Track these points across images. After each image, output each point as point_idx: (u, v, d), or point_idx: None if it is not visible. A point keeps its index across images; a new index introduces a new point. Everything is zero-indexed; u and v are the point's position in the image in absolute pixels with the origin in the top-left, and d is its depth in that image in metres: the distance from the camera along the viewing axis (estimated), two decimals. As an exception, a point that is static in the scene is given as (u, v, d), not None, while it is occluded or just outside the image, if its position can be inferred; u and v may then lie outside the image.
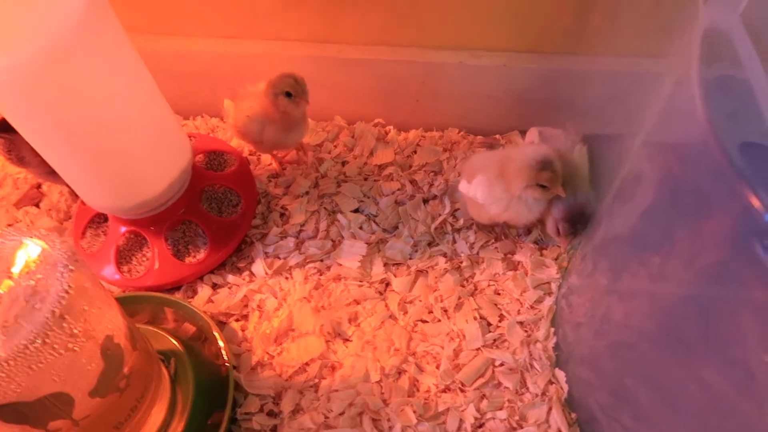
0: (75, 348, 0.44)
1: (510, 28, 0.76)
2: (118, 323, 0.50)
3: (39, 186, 0.85)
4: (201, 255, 0.71)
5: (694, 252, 0.40)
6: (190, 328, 0.68)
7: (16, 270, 0.43)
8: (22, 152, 0.68)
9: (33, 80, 0.50)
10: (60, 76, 0.51)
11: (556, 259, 0.70)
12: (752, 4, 0.40)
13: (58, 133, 0.55)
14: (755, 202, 0.31)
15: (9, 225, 0.80)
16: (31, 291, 0.42)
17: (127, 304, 0.68)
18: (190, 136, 0.82)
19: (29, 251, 0.44)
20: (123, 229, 0.71)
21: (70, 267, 0.44)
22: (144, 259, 0.71)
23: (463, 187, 0.68)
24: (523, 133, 0.83)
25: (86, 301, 0.45)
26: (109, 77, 0.55)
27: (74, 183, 0.64)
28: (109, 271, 0.71)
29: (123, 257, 0.72)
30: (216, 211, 0.74)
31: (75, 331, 0.43)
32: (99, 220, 0.75)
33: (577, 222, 0.61)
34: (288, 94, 0.66)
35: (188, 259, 0.71)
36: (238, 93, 0.74)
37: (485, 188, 0.64)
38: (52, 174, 0.65)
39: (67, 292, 0.43)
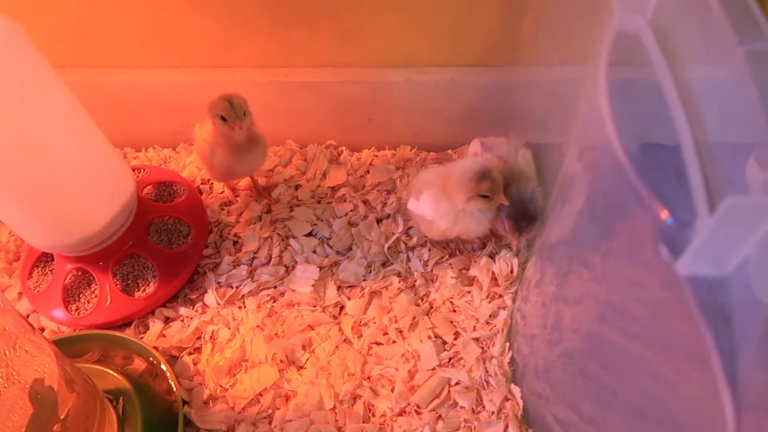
0: (-4, 394, 0.42)
1: (454, 43, 0.76)
2: (50, 365, 0.49)
3: (-12, 227, 0.83)
4: (151, 289, 0.70)
5: (625, 251, 0.40)
6: (140, 364, 0.66)
7: (-71, 317, 0.42)
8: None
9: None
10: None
11: (511, 272, 0.69)
12: (660, 9, 0.40)
13: (-16, 173, 0.54)
14: (656, 205, 0.30)
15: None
16: (-54, 338, 0.41)
17: (75, 344, 0.67)
18: (140, 168, 0.81)
19: (-56, 297, 0.43)
20: (69, 266, 0.69)
21: (-11, 311, 0.42)
22: (92, 296, 0.70)
23: (412, 204, 0.67)
24: (475, 146, 0.83)
25: (8, 345, 0.43)
26: (33, 114, 0.54)
27: (10, 222, 0.62)
28: (57, 310, 0.69)
29: (70, 295, 0.70)
30: (166, 242, 0.73)
31: (-6, 377, 0.42)
32: (46, 259, 0.73)
33: (521, 219, 0.61)
34: (223, 118, 0.65)
35: (138, 294, 0.70)
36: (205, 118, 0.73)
37: (432, 204, 0.63)
38: (-5, 214, 0.64)
39: (-16, 337, 0.41)
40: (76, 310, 0.69)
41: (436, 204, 0.64)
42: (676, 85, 0.36)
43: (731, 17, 0.33)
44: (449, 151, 0.84)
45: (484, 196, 0.60)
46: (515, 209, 0.61)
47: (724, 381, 0.28)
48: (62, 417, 0.49)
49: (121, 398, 0.61)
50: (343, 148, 0.85)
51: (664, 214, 0.31)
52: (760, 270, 0.30)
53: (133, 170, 0.81)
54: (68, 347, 0.67)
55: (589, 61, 0.46)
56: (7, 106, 0.52)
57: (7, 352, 0.43)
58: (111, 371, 0.63)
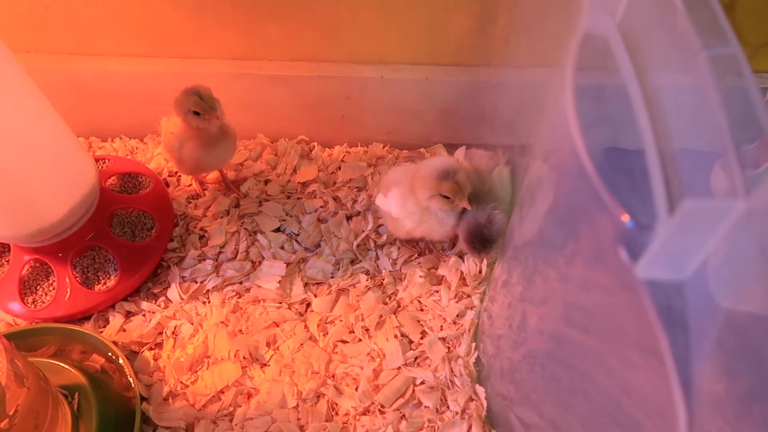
0: (-64, 389, 0.40)
1: (430, 42, 0.75)
2: (-2, 360, 0.47)
3: (-56, 215, 0.80)
4: (111, 282, 0.68)
5: (588, 252, 0.40)
6: (98, 359, 0.64)
7: None
8: None
9: None
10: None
11: (479, 273, 0.69)
12: (629, 11, 0.40)
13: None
14: (616, 208, 0.30)
15: None
16: None
17: (29, 337, 0.65)
18: (102, 159, 0.79)
19: None
20: (26, 257, 0.67)
21: (-68, 301, 0.40)
22: (50, 288, 0.68)
23: (380, 200, 0.67)
24: (448, 146, 0.83)
25: (-50, 338, 0.42)
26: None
27: (-37, 211, 0.60)
28: (13, 303, 0.67)
29: (27, 287, 0.68)
30: (129, 235, 0.71)
31: (-65, 371, 0.40)
32: (2, 249, 0.71)
33: (477, 242, 0.60)
34: (196, 113, 0.64)
35: (98, 287, 0.68)
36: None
37: (398, 202, 0.63)
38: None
39: (-75, 329, 0.39)
40: (33, 302, 0.67)
41: (403, 202, 0.63)
42: (642, 90, 0.35)
43: (697, 21, 0.33)
44: (422, 150, 0.83)
45: (446, 197, 0.59)
46: (471, 233, 0.60)
47: (678, 386, 0.28)
48: (11, 413, 0.48)
49: (76, 394, 0.59)
50: (315, 143, 0.84)
51: (624, 217, 0.31)
52: (718, 274, 0.30)
53: (97, 160, 0.79)
54: (23, 341, 0.65)
55: (557, 64, 0.46)
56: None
57: (-50, 345, 0.41)
58: (67, 366, 0.61)
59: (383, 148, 0.83)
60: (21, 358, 0.51)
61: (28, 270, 0.68)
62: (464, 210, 0.60)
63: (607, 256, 0.36)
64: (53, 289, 0.67)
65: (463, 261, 0.70)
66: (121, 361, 0.63)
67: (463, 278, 0.69)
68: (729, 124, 0.29)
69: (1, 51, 0.54)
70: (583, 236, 0.41)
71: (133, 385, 0.61)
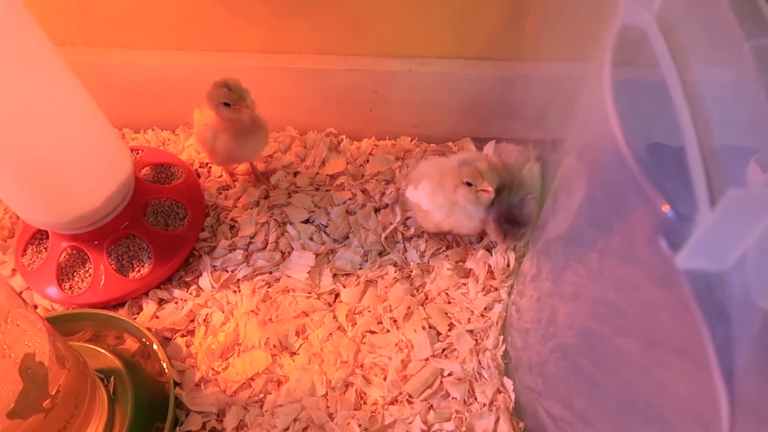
0: (-14, 367, 0.42)
1: (459, 36, 0.76)
2: (41, 341, 0.48)
3: (-17, 203, 0.83)
4: (145, 270, 0.69)
5: (621, 248, 0.40)
6: (133, 344, 0.66)
7: None
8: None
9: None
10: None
11: (507, 266, 0.69)
12: (667, 3, 0.40)
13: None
14: (657, 199, 0.30)
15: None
16: (-61, 309, 0.41)
17: (67, 322, 0.67)
18: (138, 149, 0.80)
19: (-63, 268, 0.42)
20: (64, 244, 0.69)
21: (-18, 284, 0.42)
22: (86, 275, 0.69)
23: (410, 192, 0.67)
24: (476, 140, 0.83)
25: (0, 318, 0.43)
26: (33, 90, 0.53)
27: (6, 198, 0.62)
28: (51, 288, 0.69)
29: (64, 274, 0.70)
30: (162, 224, 0.72)
31: (-15, 350, 0.42)
32: (40, 236, 0.73)
33: (506, 222, 0.61)
34: (226, 104, 0.65)
35: (132, 275, 0.69)
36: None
37: (428, 194, 0.63)
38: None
39: (-24, 309, 0.41)
40: (70, 288, 0.69)
41: (432, 195, 0.64)
42: (682, 84, 0.35)
43: (738, 12, 0.33)
44: (450, 143, 0.83)
45: (468, 184, 0.59)
46: (501, 212, 0.61)
47: (721, 377, 0.28)
48: (52, 393, 0.49)
49: (112, 378, 0.61)
50: (343, 136, 0.85)
51: (666, 208, 0.31)
52: (758, 274, 0.30)
53: (131, 151, 0.80)
54: (61, 325, 0.67)
55: (593, 58, 0.46)
56: (6, 82, 0.51)
57: (-1, 325, 0.43)
58: (103, 350, 0.63)
59: (411, 141, 0.84)
60: (61, 341, 0.53)
61: (65, 257, 0.70)
62: (494, 202, 0.61)
63: (640, 252, 0.36)
64: (89, 275, 0.69)
65: (491, 254, 0.70)
66: (155, 346, 0.64)
67: (491, 271, 0.69)
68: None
69: (43, 43, 0.55)
70: (616, 232, 0.41)
71: (166, 371, 0.63)
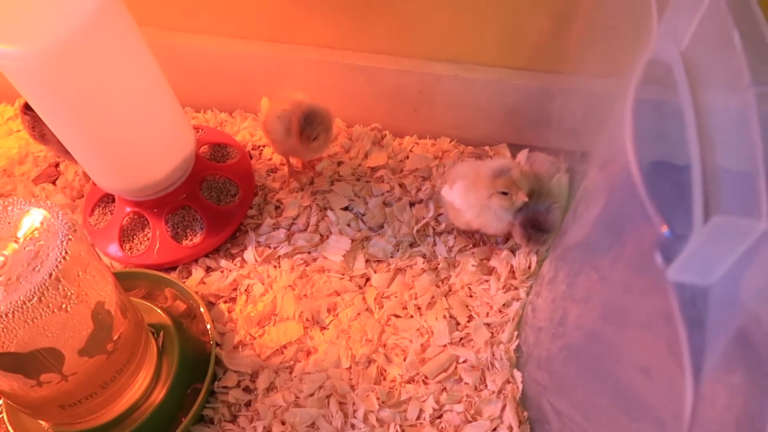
0: (68, 308, 0.49)
1: (505, 45, 0.80)
2: (110, 292, 0.55)
3: (57, 165, 0.91)
4: (197, 239, 0.76)
5: (631, 258, 0.44)
6: (181, 305, 0.73)
7: (20, 235, 0.49)
8: (43, 130, 0.74)
9: (48, 67, 0.56)
10: (74, 65, 0.56)
11: (528, 268, 0.74)
12: (693, 41, 0.44)
13: (70, 116, 0.61)
14: (656, 219, 0.35)
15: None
16: (33, 255, 0.48)
17: (126, 279, 0.74)
18: (197, 128, 0.87)
19: (34, 219, 0.50)
20: (128, 209, 0.76)
21: (69, 236, 0.49)
22: (145, 239, 0.77)
23: (445, 191, 0.72)
24: (512, 146, 0.87)
25: (81, 268, 0.50)
26: (120, 68, 0.60)
27: (84, 163, 0.69)
28: (113, 247, 0.77)
29: (126, 236, 0.77)
30: (215, 199, 0.79)
31: (69, 293, 0.49)
32: (107, 200, 0.81)
33: (531, 227, 0.65)
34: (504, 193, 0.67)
35: (185, 242, 0.76)
36: (276, 94, 0.78)
37: (461, 194, 0.68)
38: (69, 153, 0.71)
39: (64, 257, 0.48)
40: (130, 249, 0.77)
41: (465, 195, 0.68)
42: (696, 113, 0.39)
43: (750, 57, 0.37)
44: (486, 147, 0.88)
45: (504, 193, 0.64)
46: (528, 217, 0.66)
47: (690, 373, 0.32)
48: (115, 338, 0.57)
49: (162, 332, 0.68)
50: (387, 132, 0.90)
51: (663, 228, 0.35)
52: (747, 280, 0.34)
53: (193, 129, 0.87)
54: (120, 281, 0.73)
55: (623, 77, 0.50)
56: (99, 57, 0.58)
57: (79, 273, 0.50)
58: (155, 307, 0.70)
59: (450, 142, 0.89)
60: (124, 294, 0.60)
61: (128, 221, 0.77)
62: (522, 207, 0.65)
63: (648, 263, 0.40)
64: (147, 239, 0.77)
65: (515, 255, 0.74)
66: (201, 309, 0.71)
67: (512, 271, 0.73)
68: (764, 151, 0.33)
69: (129, 23, 0.62)
70: (628, 243, 0.45)
71: (209, 332, 0.69)
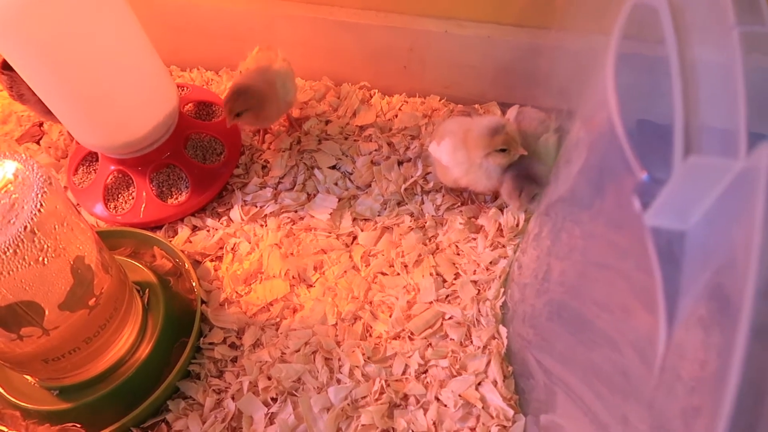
0: (45, 261, 0.49)
1: (495, 1, 0.78)
2: (90, 247, 0.55)
3: (41, 124, 0.90)
4: (183, 198, 0.76)
5: (611, 211, 0.44)
6: (167, 263, 0.73)
7: (-6, 187, 0.48)
8: (21, 90, 0.72)
9: (24, 17, 0.54)
10: (50, 15, 0.55)
11: (516, 226, 0.73)
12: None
13: (47, 71, 0.60)
14: (636, 165, 0.34)
15: None
16: (8, 207, 0.47)
17: (111, 238, 0.74)
18: (182, 87, 0.86)
19: (7, 172, 0.49)
20: (111, 167, 0.76)
21: (44, 189, 0.48)
22: (130, 197, 0.76)
23: (432, 148, 0.71)
24: (502, 105, 0.86)
25: (57, 221, 0.50)
26: (97, 20, 0.59)
27: (64, 119, 0.68)
28: (98, 206, 0.76)
29: (110, 194, 0.77)
30: (200, 158, 0.78)
31: (45, 246, 0.48)
32: (91, 159, 0.80)
33: (523, 178, 0.65)
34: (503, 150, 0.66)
35: (170, 201, 0.76)
36: (258, 53, 0.78)
37: (449, 151, 0.67)
38: (49, 113, 0.70)
39: (39, 210, 0.47)
40: (114, 208, 0.76)
41: (453, 152, 0.68)
42: (680, 64, 0.38)
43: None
44: (476, 106, 0.86)
45: (502, 150, 0.63)
46: (518, 170, 0.65)
47: (664, 314, 0.32)
48: (97, 294, 0.56)
49: (147, 290, 0.68)
50: (376, 90, 0.89)
51: (641, 173, 0.35)
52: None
53: (177, 87, 0.86)
54: (105, 240, 0.73)
55: (607, 32, 0.49)
56: (70, 11, 0.56)
57: (56, 227, 0.50)
58: (140, 265, 0.70)
59: (439, 100, 0.87)
60: (106, 252, 0.60)
61: (112, 179, 0.77)
62: (510, 166, 0.65)
63: (625, 214, 0.40)
64: (132, 198, 0.76)
65: (503, 213, 0.74)
66: (186, 266, 0.71)
67: (500, 229, 0.73)
68: (746, 97, 0.32)
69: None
70: (607, 197, 0.45)
71: (195, 289, 0.69)
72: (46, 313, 0.52)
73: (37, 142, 0.88)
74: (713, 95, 0.37)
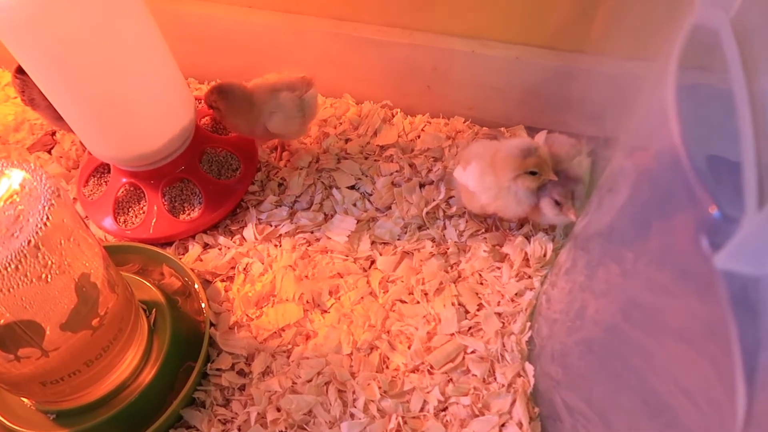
0: (48, 279, 0.46)
1: (525, 21, 0.75)
2: (97, 264, 0.52)
3: (54, 133, 0.87)
4: (195, 214, 0.73)
5: (657, 251, 0.40)
6: (176, 282, 0.69)
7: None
8: (33, 94, 0.70)
9: (39, 19, 0.52)
10: (66, 18, 0.53)
11: (543, 256, 0.69)
12: (746, 5, 0.39)
13: (60, 76, 0.57)
14: (705, 199, 0.31)
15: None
16: (12, 219, 0.44)
17: (119, 253, 0.70)
18: (201, 99, 0.83)
19: (15, 182, 0.46)
20: (123, 180, 0.73)
21: (52, 201, 0.45)
22: (140, 212, 0.73)
23: (458, 173, 0.68)
24: (529, 128, 0.83)
25: (63, 236, 0.47)
26: (115, 25, 0.56)
27: (76, 128, 0.66)
28: (107, 219, 0.73)
29: (121, 208, 0.74)
30: (215, 173, 0.75)
31: (49, 262, 0.45)
32: (103, 170, 0.77)
33: (566, 184, 0.62)
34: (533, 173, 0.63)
35: (182, 217, 0.73)
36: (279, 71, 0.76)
37: (476, 176, 0.64)
38: (61, 120, 0.67)
39: (45, 224, 0.44)
40: (124, 222, 0.73)
41: (481, 177, 0.64)
42: (749, 94, 0.35)
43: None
44: (502, 129, 0.83)
45: (532, 173, 0.60)
46: (552, 189, 0.62)
47: (742, 376, 0.28)
48: (101, 313, 0.53)
49: (154, 310, 0.65)
50: (398, 110, 0.86)
51: (712, 208, 0.31)
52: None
53: (195, 100, 0.83)
54: (112, 255, 0.70)
55: (659, 58, 0.46)
56: (91, 13, 0.54)
57: (62, 242, 0.46)
58: (148, 284, 0.67)
59: (464, 122, 0.84)
60: (114, 268, 0.56)
61: (123, 192, 0.74)
62: (539, 189, 0.62)
63: (677, 256, 0.36)
64: (143, 212, 0.73)
65: (529, 242, 0.70)
66: (196, 286, 0.67)
67: (526, 259, 0.69)
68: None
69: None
70: (654, 235, 0.41)
71: (204, 311, 0.66)
72: (47, 333, 0.49)
73: (49, 152, 0.85)
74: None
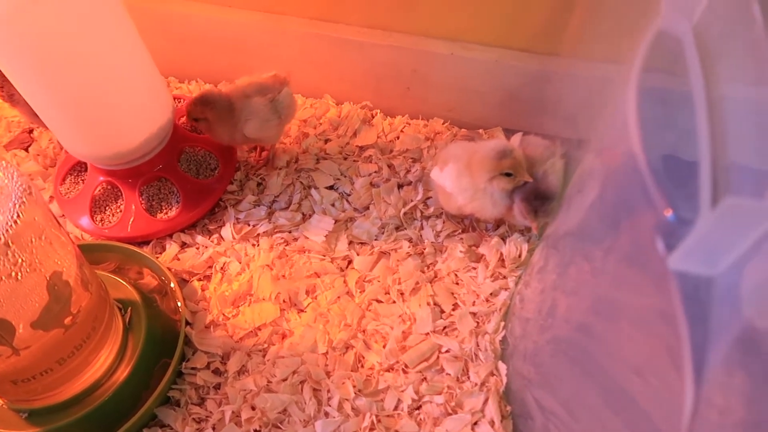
0: (18, 276, 0.46)
1: (504, 25, 0.76)
2: (69, 262, 0.52)
3: (31, 131, 0.87)
4: (173, 213, 0.73)
5: (625, 249, 0.41)
6: (152, 281, 0.69)
7: (-31, 195, 0.45)
8: (12, 90, 0.69)
9: (11, 19, 0.52)
10: (38, 17, 0.52)
11: (519, 257, 0.70)
12: (707, 15, 0.40)
13: (35, 74, 0.57)
14: (661, 202, 0.31)
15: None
16: (-18, 217, 0.44)
17: (95, 251, 0.70)
18: (179, 98, 0.83)
19: (-15, 180, 0.46)
20: (100, 178, 0.73)
21: (23, 199, 0.45)
22: (117, 210, 0.73)
23: (435, 174, 0.69)
24: (507, 130, 0.84)
25: (35, 234, 0.46)
26: (89, 25, 0.56)
27: (52, 126, 0.65)
28: (84, 218, 0.73)
29: (98, 206, 0.73)
30: (193, 172, 0.75)
31: (19, 260, 0.45)
32: (80, 168, 0.77)
33: (534, 198, 0.62)
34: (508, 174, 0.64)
35: (160, 216, 0.73)
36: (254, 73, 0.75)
37: (453, 177, 0.65)
38: (39, 117, 0.67)
39: (15, 221, 0.44)
40: (101, 221, 0.73)
41: (458, 178, 0.65)
42: (707, 96, 0.36)
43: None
44: (480, 131, 0.84)
45: (507, 174, 0.61)
46: (527, 190, 0.63)
47: (691, 374, 0.29)
48: (74, 312, 0.53)
49: (129, 308, 0.64)
50: (378, 111, 0.86)
51: (667, 211, 0.32)
52: (747, 282, 0.31)
53: (174, 99, 0.83)
54: (88, 254, 0.70)
55: (627, 62, 0.46)
56: (62, 11, 0.54)
57: (33, 240, 0.46)
58: (124, 282, 0.67)
59: (443, 123, 0.85)
60: (87, 267, 0.56)
61: (100, 190, 0.74)
62: (514, 190, 0.62)
63: (644, 255, 0.37)
64: (120, 211, 0.73)
65: (505, 243, 0.71)
66: (172, 285, 0.67)
67: (502, 260, 0.70)
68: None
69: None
70: (622, 234, 0.42)
71: (180, 310, 0.66)
72: (18, 331, 0.49)
73: (26, 149, 0.85)
74: (744, 133, 0.35)
